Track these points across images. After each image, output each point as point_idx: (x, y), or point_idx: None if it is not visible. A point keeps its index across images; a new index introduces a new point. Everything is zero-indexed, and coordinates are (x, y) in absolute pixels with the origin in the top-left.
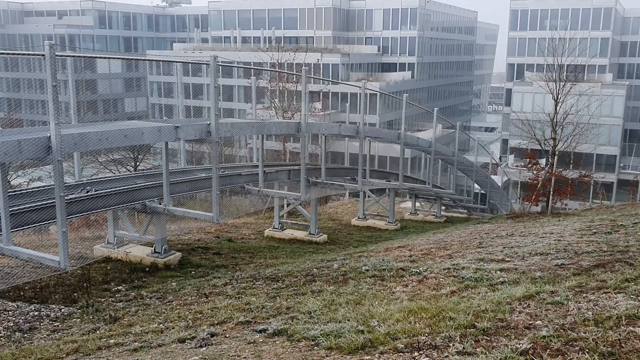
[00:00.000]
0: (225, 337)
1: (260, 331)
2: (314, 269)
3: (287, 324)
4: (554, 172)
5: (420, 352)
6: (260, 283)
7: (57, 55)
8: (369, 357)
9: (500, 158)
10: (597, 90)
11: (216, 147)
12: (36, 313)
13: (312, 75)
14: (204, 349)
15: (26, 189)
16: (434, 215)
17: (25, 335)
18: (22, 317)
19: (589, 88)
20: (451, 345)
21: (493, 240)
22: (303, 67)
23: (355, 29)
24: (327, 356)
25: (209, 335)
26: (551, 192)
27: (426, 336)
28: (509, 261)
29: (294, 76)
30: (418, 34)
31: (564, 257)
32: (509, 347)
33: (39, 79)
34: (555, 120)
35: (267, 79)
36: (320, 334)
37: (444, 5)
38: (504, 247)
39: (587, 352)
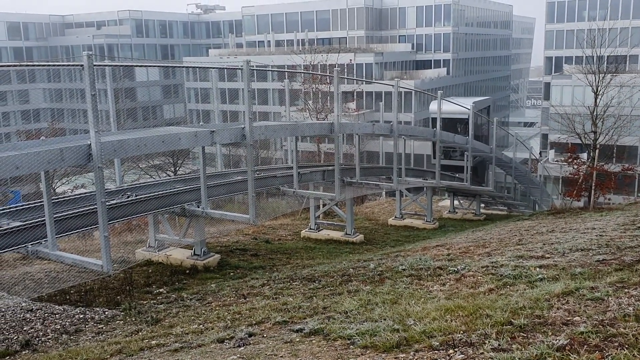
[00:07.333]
0: (263, 336)
1: (297, 331)
2: (350, 269)
3: (324, 323)
4: (595, 166)
5: (456, 349)
6: (297, 283)
7: (95, 65)
8: (404, 355)
9: (540, 153)
10: None
11: (251, 150)
12: (81, 316)
13: (345, 76)
14: (242, 348)
15: (70, 196)
16: (473, 213)
17: (72, 337)
18: (69, 320)
19: (630, 79)
20: (487, 342)
21: (533, 237)
22: (335, 68)
23: (388, 27)
24: (362, 355)
25: (247, 335)
26: (593, 187)
27: (462, 334)
28: (548, 258)
29: (327, 77)
30: (452, 30)
31: (606, 253)
32: (546, 343)
33: (80, 89)
34: (595, 113)
35: (300, 81)
36: (356, 333)
37: (478, 0)
38: (544, 244)
39: (627, 348)
